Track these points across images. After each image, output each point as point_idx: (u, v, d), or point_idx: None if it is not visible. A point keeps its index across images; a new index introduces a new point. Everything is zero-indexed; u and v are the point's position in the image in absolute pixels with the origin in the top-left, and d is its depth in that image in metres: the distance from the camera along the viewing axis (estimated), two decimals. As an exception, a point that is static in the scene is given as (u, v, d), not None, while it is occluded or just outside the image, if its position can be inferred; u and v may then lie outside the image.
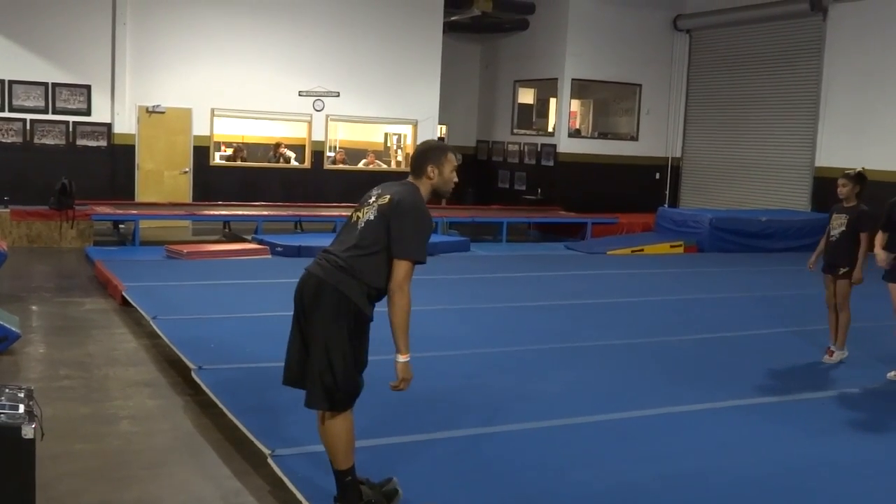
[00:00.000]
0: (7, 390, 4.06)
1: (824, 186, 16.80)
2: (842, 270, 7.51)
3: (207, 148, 16.75)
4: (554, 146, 19.18)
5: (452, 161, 4.27)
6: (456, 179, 4.29)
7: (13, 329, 7.34)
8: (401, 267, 3.99)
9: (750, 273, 12.98)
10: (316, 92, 17.31)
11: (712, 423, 5.90)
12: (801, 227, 15.90)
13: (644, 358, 7.54)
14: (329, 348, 4.03)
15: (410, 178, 4.27)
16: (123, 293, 9.22)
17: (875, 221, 7.41)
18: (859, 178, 7.52)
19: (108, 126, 15.89)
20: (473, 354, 7.38)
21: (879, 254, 7.13)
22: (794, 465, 5.19)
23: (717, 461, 5.19)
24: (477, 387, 6.41)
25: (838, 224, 7.55)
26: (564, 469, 4.94)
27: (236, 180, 17.01)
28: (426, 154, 4.26)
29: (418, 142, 18.13)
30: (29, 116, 15.42)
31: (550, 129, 19.66)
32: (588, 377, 6.91)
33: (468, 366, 7.00)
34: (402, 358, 4.01)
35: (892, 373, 7.18)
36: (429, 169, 4.22)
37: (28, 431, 3.72)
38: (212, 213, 15.21)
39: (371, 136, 19.28)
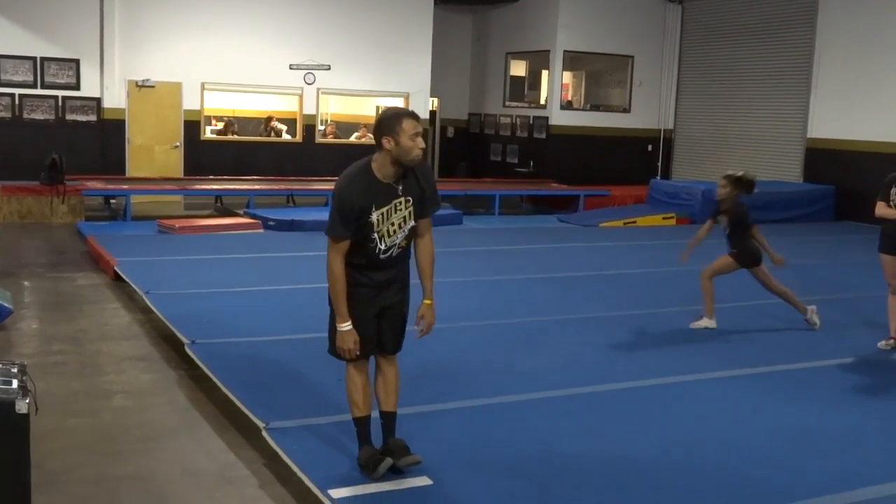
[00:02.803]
0: (0, 365, 4.06)
1: (816, 158, 16.83)
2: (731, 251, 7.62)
3: (198, 122, 16.66)
4: (546, 119, 19.13)
5: (410, 128, 4.08)
6: (421, 146, 4.12)
7: (5, 304, 7.33)
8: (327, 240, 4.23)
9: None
10: (307, 65, 17.21)
11: (706, 394, 5.93)
12: (792, 198, 15.94)
13: (637, 329, 7.56)
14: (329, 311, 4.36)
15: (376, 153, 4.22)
16: (115, 268, 9.20)
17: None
18: (739, 182, 7.46)
19: (98, 101, 15.80)
20: (467, 327, 7.40)
21: (889, 212, 6.99)
22: (789, 433, 5.23)
23: (711, 430, 5.23)
24: (471, 360, 6.43)
25: (725, 224, 7.60)
26: (560, 440, 4.97)
27: (228, 154, 16.94)
28: (380, 125, 4.13)
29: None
30: (17, 91, 15.32)
31: (542, 102, 19.60)
32: (582, 349, 6.93)
33: (462, 339, 7.02)
34: (339, 326, 4.23)
35: (883, 342, 7.22)
36: (384, 141, 4.10)
37: (22, 406, 3.72)
38: (203, 187, 15.15)
39: (362, 109, 19.20)
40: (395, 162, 4.13)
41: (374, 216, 4.14)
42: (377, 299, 4.30)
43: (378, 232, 4.18)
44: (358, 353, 4.26)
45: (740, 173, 7.51)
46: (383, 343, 4.39)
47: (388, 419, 4.49)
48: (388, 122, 4.11)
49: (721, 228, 7.71)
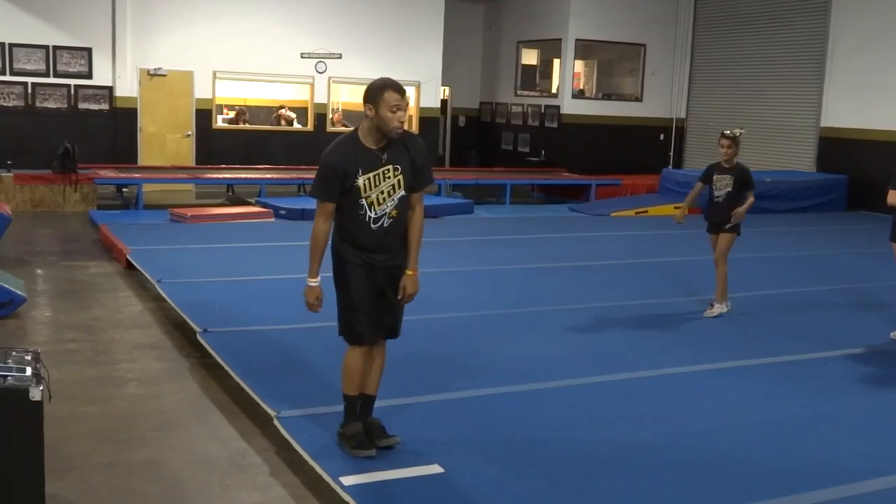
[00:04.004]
0: (14, 353, 4.08)
1: (830, 147, 16.74)
2: (727, 226, 7.61)
3: (210, 111, 16.68)
4: (558, 108, 19.08)
5: (390, 100, 4.17)
6: (401, 119, 4.21)
7: (19, 293, 7.37)
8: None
9: (753, 234, 12.92)
10: (318, 54, 17.20)
11: (714, 384, 5.92)
12: (805, 187, 15.88)
13: (647, 319, 7.56)
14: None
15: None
16: (128, 257, 9.24)
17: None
18: (738, 139, 7.56)
19: (110, 89, 15.84)
20: (476, 316, 7.40)
21: None
22: (800, 423, 5.22)
23: (718, 421, 5.22)
24: (479, 348, 6.43)
25: (724, 185, 7.56)
26: (566, 429, 4.97)
27: (239, 143, 16.96)
28: (366, 93, 4.26)
29: (422, 105, 18.11)
30: (30, 80, 15.37)
31: (554, 91, 19.54)
32: (590, 338, 6.93)
33: (471, 328, 7.03)
34: (307, 281, 4.39)
35: (896, 332, 7.20)
36: (366, 108, 4.24)
37: (36, 393, 3.74)
38: (215, 176, 15.18)
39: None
40: (376, 130, 4.24)
41: (361, 181, 4.21)
42: (385, 285, 4.38)
43: (367, 198, 4.24)
44: (319, 309, 4.40)
45: (738, 131, 7.59)
46: (384, 322, 4.45)
47: (370, 402, 4.59)
48: (373, 91, 4.23)
49: (710, 193, 7.68)
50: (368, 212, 4.25)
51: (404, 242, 4.42)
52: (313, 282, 4.37)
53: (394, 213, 4.31)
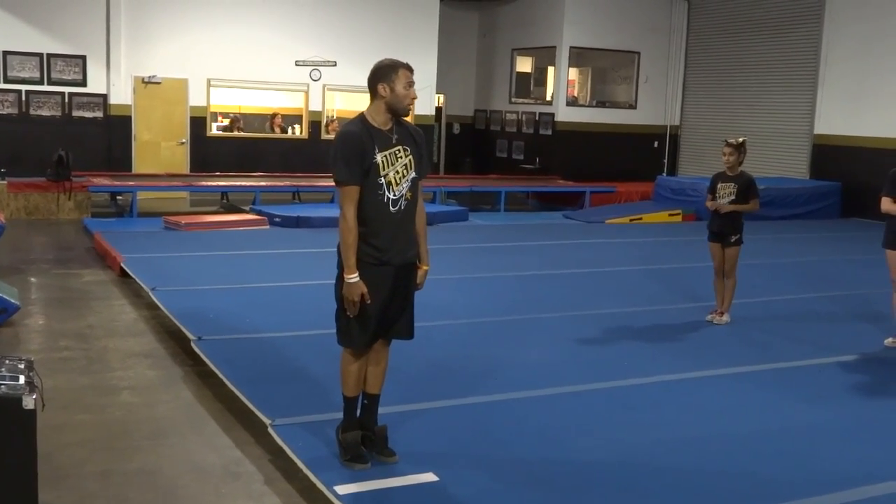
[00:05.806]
0: (7, 361, 4.07)
1: (823, 154, 16.78)
2: (733, 238, 7.60)
3: (204, 118, 16.69)
4: (552, 115, 19.11)
5: (404, 77, 4.26)
6: (414, 96, 4.30)
7: (12, 301, 7.35)
8: (338, 192, 4.28)
9: (747, 241, 12.96)
10: (313, 61, 17.22)
11: (710, 391, 5.93)
12: (799, 194, 15.92)
13: (643, 326, 7.56)
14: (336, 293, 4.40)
15: (368, 104, 4.35)
16: (122, 264, 9.22)
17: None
18: (742, 147, 7.54)
19: (104, 97, 15.84)
20: (472, 323, 7.40)
21: (895, 208, 7.00)
22: (796, 430, 5.22)
23: (714, 427, 5.22)
24: (475, 356, 6.43)
25: (727, 193, 7.56)
26: (563, 436, 4.97)
27: (233, 151, 16.96)
28: (376, 73, 4.28)
29: (416, 112, 18.12)
30: (24, 87, 15.36)
31: (548, 98, 19.58)
32: (587, 346, 6.93)
33: (466, 335, 7.03)
34: (347, 277, 4.24)
35: (890, 339, 7.20)
36: (380, 88, 4.25)
37: (29, 402, 3.73)
38: (209, 184, 15.18)
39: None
40: (388, 110, 4.29)
41: (379, 157, 4.23)
42: (395, 287, 4.34)
43: (385, 177, 4.24)
44: (369, 300, 4.25)
45: (741, 139, 7.59)
46: (387, 327, 4.42)
47: (375, 401, 4.58)
48: (385, 70, 4.27)
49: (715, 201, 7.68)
50: (387, 192, 4.25)
51: (413, 236, 4.45)
52: (354, 277, 4.22)
53: (408, 195, 4.34)
